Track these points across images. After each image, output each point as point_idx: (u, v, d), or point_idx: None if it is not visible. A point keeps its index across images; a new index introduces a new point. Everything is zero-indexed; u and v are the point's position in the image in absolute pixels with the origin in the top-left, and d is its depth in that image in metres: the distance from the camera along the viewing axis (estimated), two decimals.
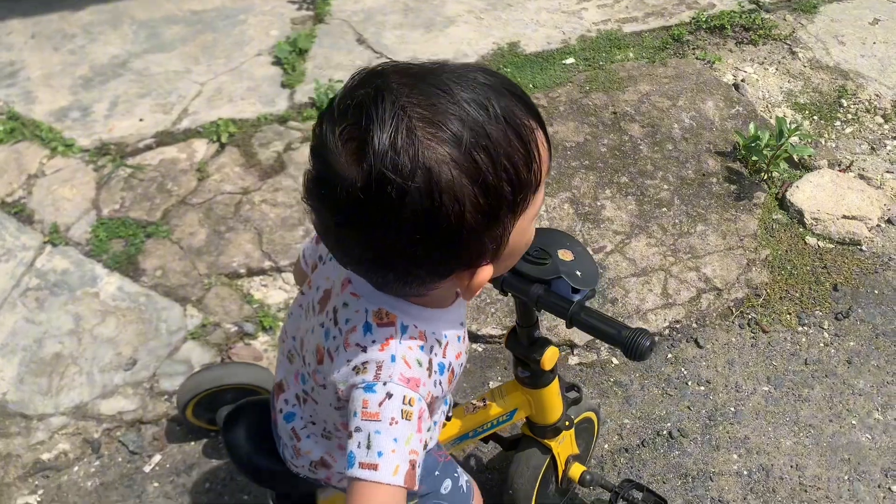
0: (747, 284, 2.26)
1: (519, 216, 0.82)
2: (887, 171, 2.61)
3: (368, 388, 0.88)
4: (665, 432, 1.97)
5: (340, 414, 1.01)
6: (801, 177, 2.55)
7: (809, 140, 2.66)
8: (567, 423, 1.56)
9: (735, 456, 1.93)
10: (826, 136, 2.74)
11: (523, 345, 1.37)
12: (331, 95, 2.70)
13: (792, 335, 2.19)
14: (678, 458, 1.92)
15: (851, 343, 2.18)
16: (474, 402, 1.51)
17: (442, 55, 2.89)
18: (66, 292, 2.16)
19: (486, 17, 3.10)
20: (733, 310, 2.22)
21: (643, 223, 2.38)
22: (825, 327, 2.21)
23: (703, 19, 3.07)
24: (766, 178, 2.53)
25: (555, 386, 1.45)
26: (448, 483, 1.34)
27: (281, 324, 2.16)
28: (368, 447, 0.85)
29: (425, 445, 0.90)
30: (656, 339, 1.06)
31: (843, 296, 2.29)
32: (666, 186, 2.48)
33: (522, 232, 0.86)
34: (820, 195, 2.48)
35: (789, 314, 2.23)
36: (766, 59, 2.98)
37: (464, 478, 1.39)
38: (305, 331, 1.05)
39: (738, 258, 2.31)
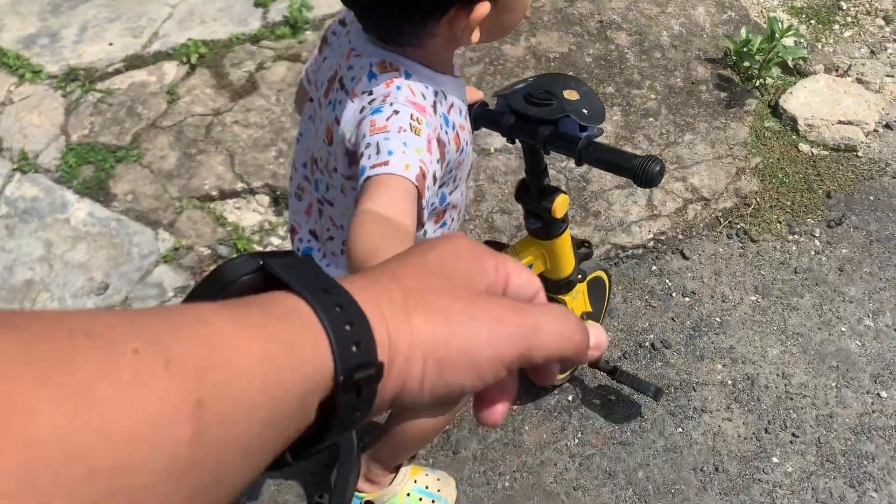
0: (736, 194, 2.19)
1: None
2: (887, 75, 2.50)
3: (376, 110, 0.88)
4: (648, 344, 1.92)
5: (353, 185, 0.97)
6: (795, 83, 2.45)
7: (804, 42, 2.54)
8: (580, 276, 1.57)
9: (720, 366, 1.89)
10: (824, 40, 2.61)
11: (533, 194, 1.36)
12: (305, 12, 2.60)
13: (782, 244, 2.12)
14: (661, 368, 1.88)
15: (844, 250, 2.11)
16: None
17: None
18: (35, 219, 2.11)
19: None
20: (721, 220, 2.15)
21: (629, 134, 2.29)
22: (817, 235, 2.14)
23: None
24: (758, 84, 2.42)
25: (566, 237, 1.46)
26: None
27: (256, 247, 2.11)
28: (378, 152, 0.84)
29: (434, 179, 0.88)
30: (665, 167, 1.10)
31: (836, 203, 2.21)
32: (653, 96, 2.38)
33: None
34: (815, 101, 2.37)
35: (779, 223, 2.16)
36: None
37: None
38: (315, 133, 1.05)
39: (727, 167, 2.22)
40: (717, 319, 1.97)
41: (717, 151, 2.25)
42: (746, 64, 2.39)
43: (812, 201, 2.20)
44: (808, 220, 2.17)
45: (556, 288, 1.57)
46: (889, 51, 2.58)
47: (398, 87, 0.91)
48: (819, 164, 2.28)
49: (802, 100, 2.38)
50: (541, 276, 1.54)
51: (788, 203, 2.19)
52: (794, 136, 2.33)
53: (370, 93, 0.92)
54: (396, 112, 0.88)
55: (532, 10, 2.62)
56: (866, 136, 2.33)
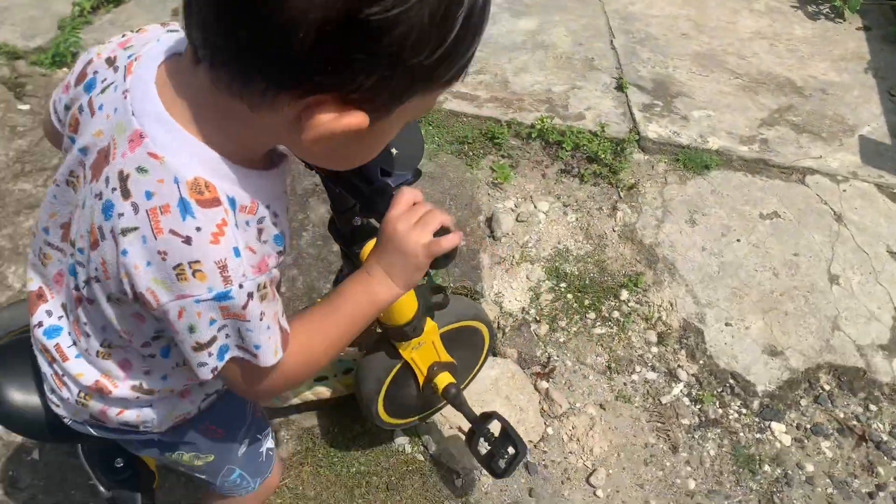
0: None
1: (435, 87, 0.69)
2: None
3: (224, 295, 0.72)
4: None
5: (122, 310, 0.82)
6: None
7: None
8: (415, 329, 1.33)
9: None
10: None
11: (343, 234, 1.17)
12: None
13: None
14: None
15: None
16: None
17: None
18: None
19: None
20: None
21: None
22: None
23: None
24: None
25: None
26: (243, 448, 1.17)
27: None
28: (242, 339, 0.77)
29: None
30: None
31: None
32: None
33: (410, 111, 0.71)
34: None
35: None
36: None
37: (267, 444, 1.23)
38: (74, 208, 0.82)
39: None
40: None
41: None
42: None
43: None
44: None
45: (392, 335, 1.35)
46: None
47: (236, 253, 0.72)
48: None
49: None
50: (378, 321, 1.33)
51: None
52: None
53: (188, 241, 0.69)
54: (250, 295, 0.74)
55: None
56: None
